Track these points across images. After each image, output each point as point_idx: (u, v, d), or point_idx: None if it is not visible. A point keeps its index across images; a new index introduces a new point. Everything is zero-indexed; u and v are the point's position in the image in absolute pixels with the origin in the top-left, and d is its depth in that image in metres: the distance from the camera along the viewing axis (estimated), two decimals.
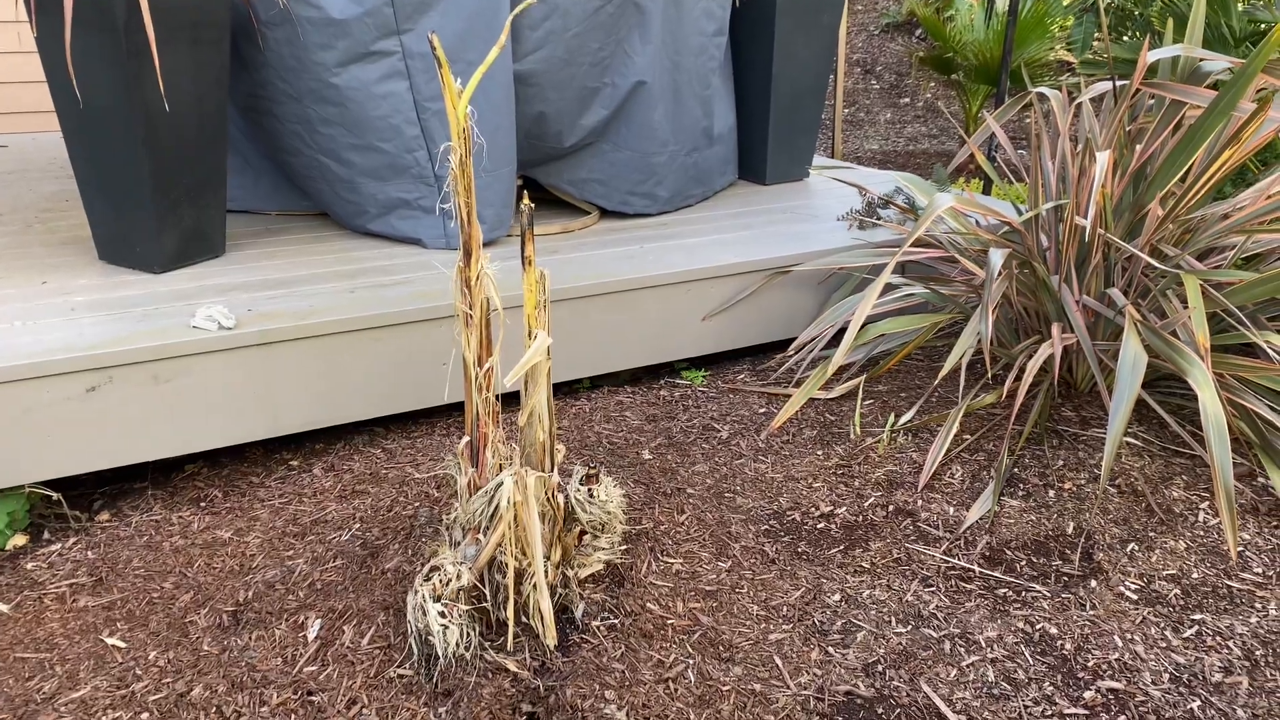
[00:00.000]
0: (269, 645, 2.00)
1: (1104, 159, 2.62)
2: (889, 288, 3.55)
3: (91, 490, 2.55)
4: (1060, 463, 2.71)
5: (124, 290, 2.76)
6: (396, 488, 2.56)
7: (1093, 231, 2.74)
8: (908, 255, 3.15)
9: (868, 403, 3.05)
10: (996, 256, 2.66)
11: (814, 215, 3.78)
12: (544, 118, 3.34)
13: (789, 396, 3.08)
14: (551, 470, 2.01)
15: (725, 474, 2.66)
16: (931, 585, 2.26)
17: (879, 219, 3.66)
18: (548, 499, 2.01)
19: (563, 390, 3.06)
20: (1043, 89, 3.23)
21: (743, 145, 4.28)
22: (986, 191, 4.66)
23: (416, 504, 2.48)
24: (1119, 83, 3.16)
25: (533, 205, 1.89)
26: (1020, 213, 3.29)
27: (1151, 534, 2.44)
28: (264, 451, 2.72)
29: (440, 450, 2.75)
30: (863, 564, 2.32)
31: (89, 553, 2.31)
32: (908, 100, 7.59)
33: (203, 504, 2.50)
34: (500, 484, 2.07)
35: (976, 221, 3.20)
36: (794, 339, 3.43)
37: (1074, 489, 2.60)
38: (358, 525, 2.40)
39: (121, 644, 2.02)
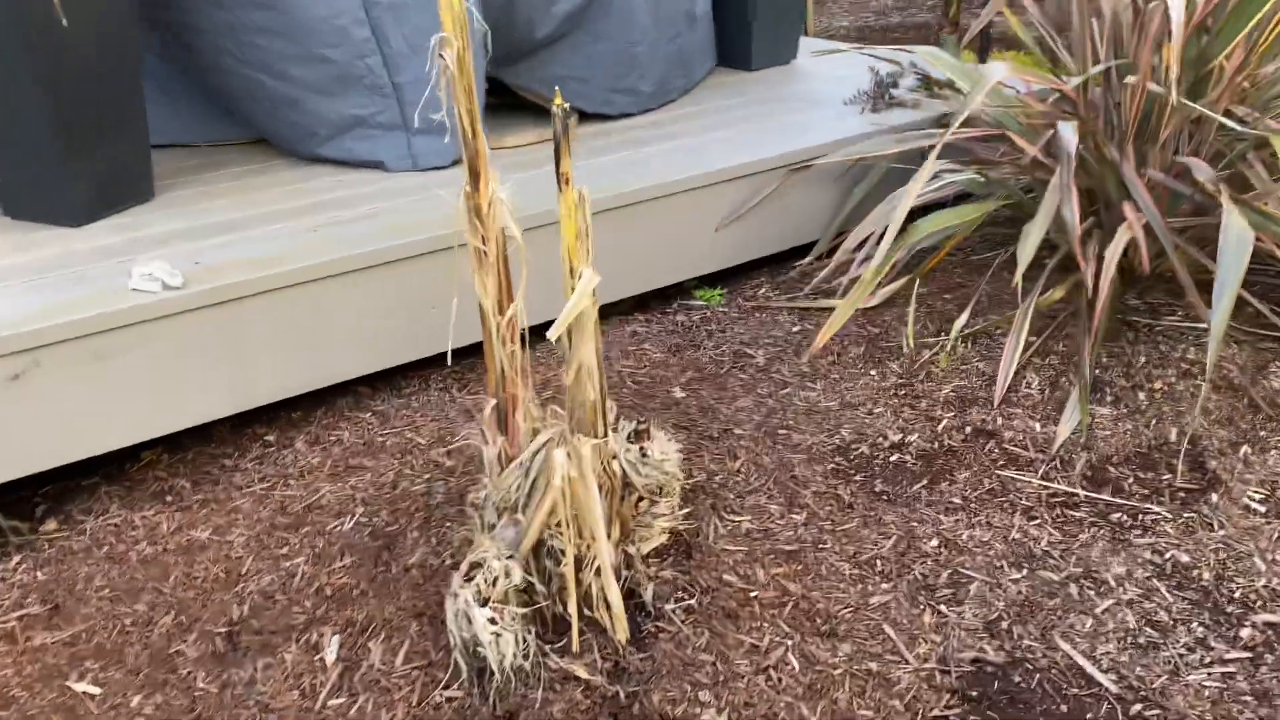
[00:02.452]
0: (280, 675, 1.64)
1: (1179, 7, 2.26)
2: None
3: (31, 494, 2.13)
4: (1142, 359, 2.42)
5: (37, 250, 2.29)
6: (398, 458, 2.18)
7: (1168, 94, 2.39)
8: (931, 136, 2.78)
9: (909, 310, 2.72)
10: (1068, 131, 2.30)
11: (817, 101, 3.39)
12: (511, 4, 2.88)
13: (824, 311, 2.74)
14: (606, 435, 1.64)
15: (773, 407, 2.32)
16: (1036, 517, 1.96)
17: (892, 99, 3.27)
18: (604, 468, 1.65)
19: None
20: None
21: (723, 28, 3.84)
22: (983, 61, 4.29)
23: (427, 477, 2.11)
24: None
25: (567, 107, 1.49)
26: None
27: (1262, 433, 2.17)
28: (232, 428, 2.31)
29: (442, 408, 2.37)
30: (953, 500, 2.01)
31: (38, 573, 1.92)
32: None
33: (169, 499, 2.11)
34: (540, 452, 1.72)
35: (1016, 92, 2.83)
36: (813, 242, 3.07)
37: (1165, 389, 2.31)
38: (361, 509, 2.02)
39: (94, 689, 1.65)
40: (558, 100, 1.46)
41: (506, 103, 3.24)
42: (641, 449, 1.83)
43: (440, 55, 1.55)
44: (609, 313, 2.76)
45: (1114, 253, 2.24)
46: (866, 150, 2.81)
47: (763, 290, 2.90)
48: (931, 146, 2.80)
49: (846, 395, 2.35)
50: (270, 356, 2.19)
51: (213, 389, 2.14)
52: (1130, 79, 2.45)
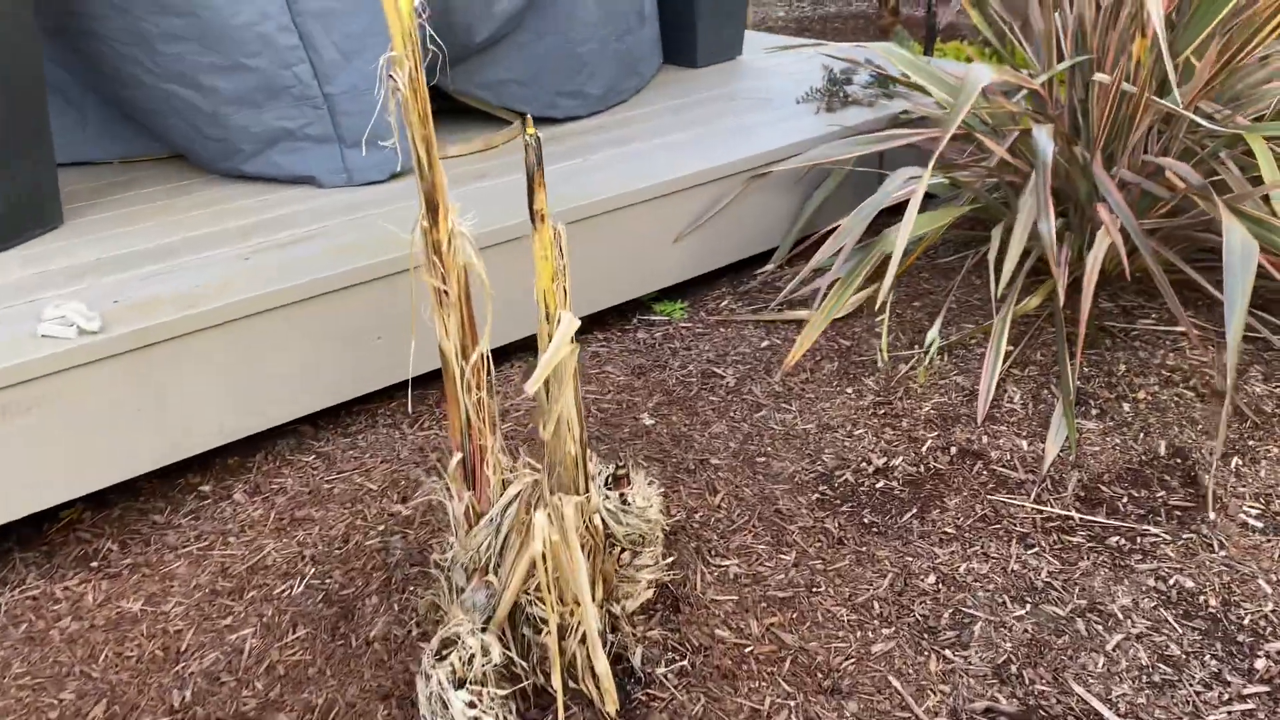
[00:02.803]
0: None
1: (1156, 4, 2.18)
2: (881, 177, 3.09)
3: None
4: (1123, 367, 2.35)
5: None
6: (349, 508, 2.00)
7: (1141, 92, 2.32)
8: (895, 138, 2.68)
9: (880, 318, 2.62)
10: (1044, 137, 2.21)
11: (769, 100, 3.26)
12: (448, 6, 2.69)
13: (791, 324, 2.62)
14: (587, 489, 1.50)
15: (749, 432, 2.19)
16: (1033, 545, 1.87)
17: (847, 98, 3.16)
18: (586, 526, 1.51)
19: (520, 349, 2.52)
20: None
21: (666, 24, 3.69)
22: (928, 54, 4.22)
23: (381, 529, 1.94)
24: None
25: (538, 135, 1.33)
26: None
27: (1251, 442, 2.11)
28: (163, 477, 2.11)
29: (392, 447, 2.19)
30: (946, 529, 1.91)
31: None
32: None
33: (95, 564, 1.90)
34: (511, 505, 1.56)
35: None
36: (773, 249, 2.95)
37: (1149, 399, 2.24)
38: (311, 570, 1.84)
39: None
40: (529, 128, 1.30)
41: (445, 107, 3.06)
42: (621, 495, 1.69)
43: (390, 76, 1.38)
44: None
45: (1095, 260, 2.16)
46: (826, 155, 2.70)
47: (725, 302, 2.77)
48: (892, 149, 2.70)
49: (824, 416, 2.23)
50: (202, 402, 2.00)
51: (139, 441, 1.94)
52: (1099, 76, 2.37)
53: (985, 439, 2.14)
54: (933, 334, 2.46)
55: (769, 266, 2.92)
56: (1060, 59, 2.61)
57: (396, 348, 2.24)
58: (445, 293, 1.50)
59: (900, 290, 2.75)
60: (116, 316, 1.92)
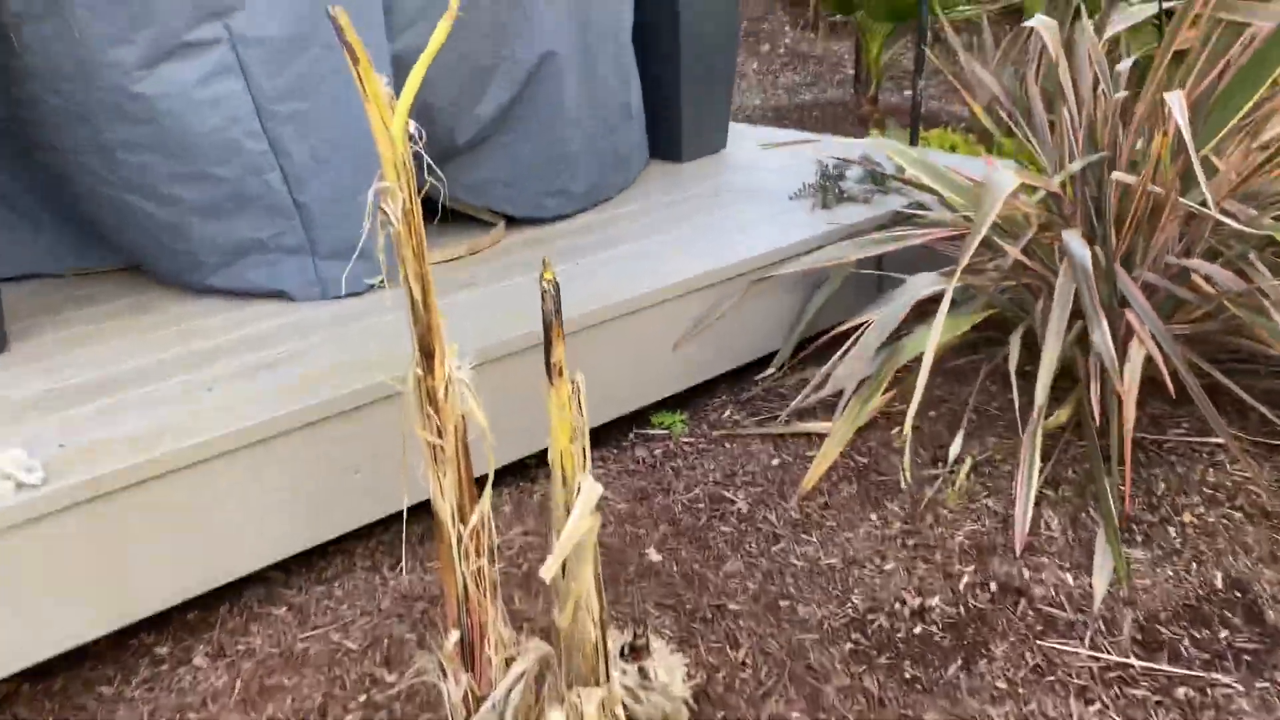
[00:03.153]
0: None
1: (1178, 101, 2.08)
2: (892, 281, 2.95)
3: None
4: (1162, 485, 2.19)
5: None
6: (325, 674, 1.77)
7: (1167, 192, 2.20)
8: (903, 238, 2.54)
9: (895, 430, 2.45)
10: (1077, 242, 2.08)
11: (760, 197, 3.13)
12: (430, 111, 2.54)
13: (802, 438, 2.44)
14: (609, 678, 1.29)
15: (768, 570, 2.00)
16: (1094, 700, 1.68)
17: (842, 194, 3.04)
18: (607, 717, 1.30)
19: (511, 473, 2.32)
20: (1037, 19, 2.66)
21: (651, 118, 3.57)
22: (913, 142, 4.14)
23: (363, 699, 1.71)
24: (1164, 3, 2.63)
25: (556, 282, 1.15)
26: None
27: None
28: (114, 641, 1.87)
29: (372, 595, 1.97)
30: (997, 684, 1.72)
31: None
32: (768, 47, 7.03)
33: None
34: (516, 687, 1.36)
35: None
36: (773, 353, 2.79)
37: (1196, 521, 2.08)
38: None
39: None
40: (547, 273, 1.13)
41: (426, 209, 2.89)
42: (640, 669, 1.48)
43: (381, 209, 1.21)
44: None
45: (1133, 374, 2.01)
46: (833, 257, 2.55)
47: (728, 412, 2.60)
48: (894, 252, 2.56)
49: (849, 549, 2.04)
50: (159, 557, 1.77)
51: (85, 606, 1.71)
52: (1119, 176, 2.25)
53: (1026, 572, 1.95)
54: (956, 448, 2.29)
55: (770, 371, 2.76)
56: (1071, 156, 2.50)
57: (377, 482, 2.03)
58: (440, 449, 1.30)
59: (910, 398, 2.58)
60: (62, 464, 1.70)
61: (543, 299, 1.14)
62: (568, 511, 1.21)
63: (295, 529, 1.95)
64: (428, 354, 1.27)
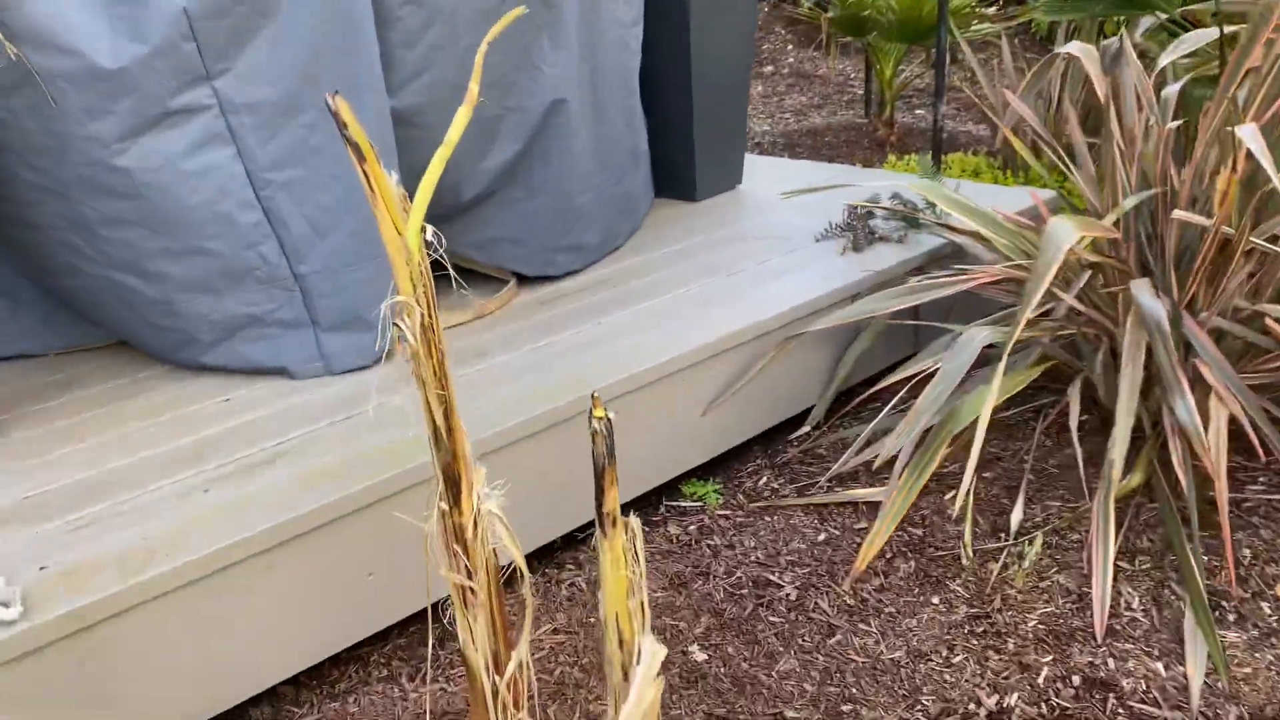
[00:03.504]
0: None
1: (1253, 135, 1.91)
2: (928, 330, 2.79)
3: None
4: (1247, 551, 2.01)
5: None
6: None
7: (1241, 233, 2.03)
8: (946, 284, 2.37)
9: (949, 494, 2.27)
10: (1147, 293, 1.91)
11: (784, 239, 2.97)
12: None
13: (846, 507, 2.26)
14: None
15: (826, 667, 1.81)
16: None
17: (872, 234, 2.87)
18: None
19: (535, 558, 2.14)
20: (1076, 45, 2.50)
21: (661, 154, 3.41)
22: (935, 170, 3.98)
23: None
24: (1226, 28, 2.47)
25: (609, 419, 0.98)
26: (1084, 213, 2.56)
27: None
28: None
29: (391, 711, 1.79)
30: None
31: None
32: (771, 68, 6.89)
33: None
34: None
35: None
36: (806, 410, 2.61)
37: None
38: None
39: None
40: (598, 410, 0.96)
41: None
42: None
43: (396, 325, 1.04)
44: (586, 531, 2.23)
45: (1219, 437, 1.84)
46: (867, 310, 2.38)
47: (764, 479, 2.42)
48: (943, 299, 2.39)
49: (912, 638, 1.86)
50: (151, 688, 1.59)
51: None
52: (1182, 215, 2.08)
53: (1111, 662, 1.77)
54: (1017, 516, 2.11)
55: (804, 430, 2.58)
56: (1123, 192, 2.33)
57: (392, 583, 1.86)
58: (471, 592, 1.13)
59: (964, 457, 2.41)
60: (44, 591, 1.52)
61: (593, 440, 0.96)
62: (625, 676, 1.03)
63: (304, 643, 1.77)
64: (453, 486, 1.10)
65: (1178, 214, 2.11)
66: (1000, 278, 2.37)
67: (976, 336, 2.03)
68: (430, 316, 1.03)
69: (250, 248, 2.12)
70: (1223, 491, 1.77)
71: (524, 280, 2.75)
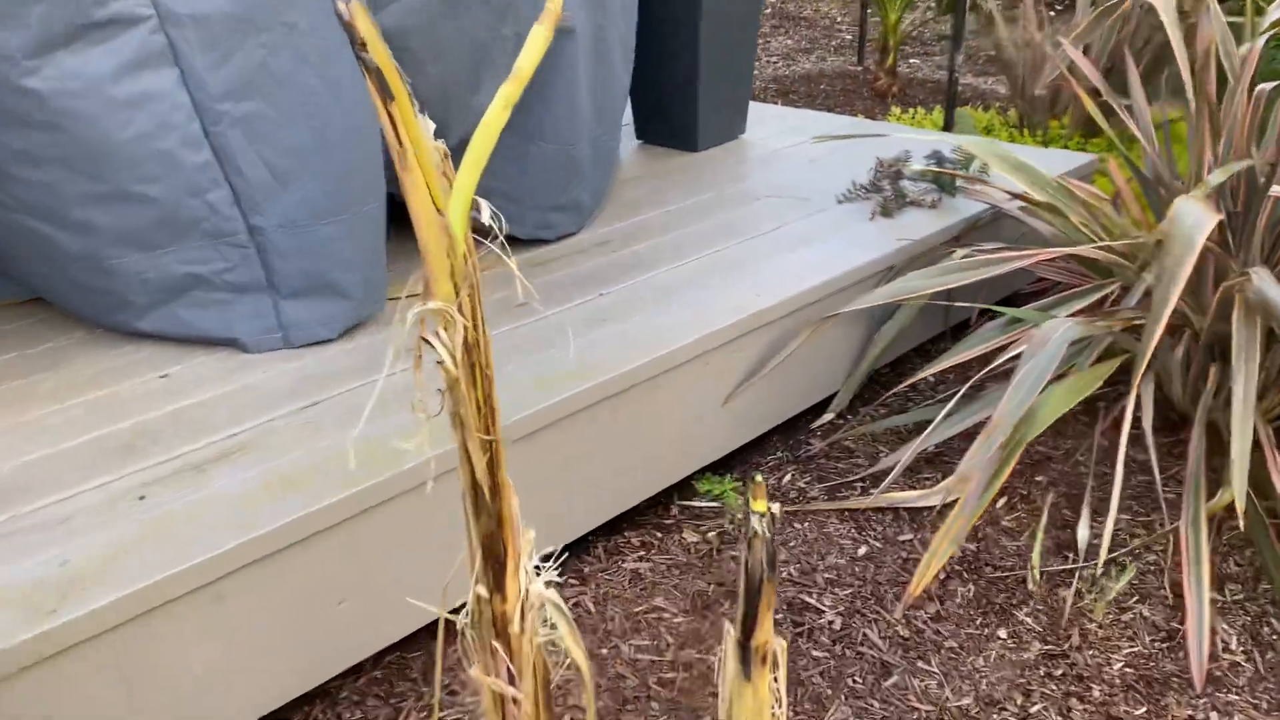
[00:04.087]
0: None
1: None
2: (987, 314, 2.51)
3: None
4: None
5: None
6: None
7: None
8: (1009, 260, 2.09)
9: (999, 502, 2.01)
10: (1272, 285, 1.63)
11: (803, 198, 2.65)
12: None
13: (885, 512, 1.99)
14: None
15: (884, 718, 1.54)
16: None
17: (904, 196, 2.57)
18: None
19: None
20: None
21: (660, 101, 3.07)
22: (948, 125, 3.68)
23: None
24: None
25: (773, 512, 0.67)
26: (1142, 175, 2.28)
27: None
28: None
29: None
30: None
31: None
32: None
33: None
34: None
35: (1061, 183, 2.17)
36: (830, 395, 2.33)
37: None
38: None
39: None
40: (758, 503, 0.65)
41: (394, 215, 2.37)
42: None
43: (425, 341, 0.71)
44: (586, 543, 1.93)
45: None
46: (911, 289, 2.08)
47: (788, 476, 2.13)
48: (1000, 275, 2.10)
49: (981, 682, 1.60)
50: None
51: None
52: None
53: (1215, 718, 1.52)
54: (1084, 533, 1.85)
55: (827, 417, 2.29)
56: (1206, 164, 2.05)
57: (368, 611, 1.54)
58: (515, 701, 0.82)
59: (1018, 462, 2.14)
60: None
61: (749, 546, 0.65)
62: None
63: (258, 689, 1.45)
64: (496, 562, 0.78)
65: (1277, 189, 1.83)
66: (1059, 254, 2.09)
67: (1058, 331, 1.74)
68: (477, 331, 0.71)
69: (196, 195, 1.75)
70: None
71: (514, 243, 2.40)
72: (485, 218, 0.69)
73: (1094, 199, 2.13)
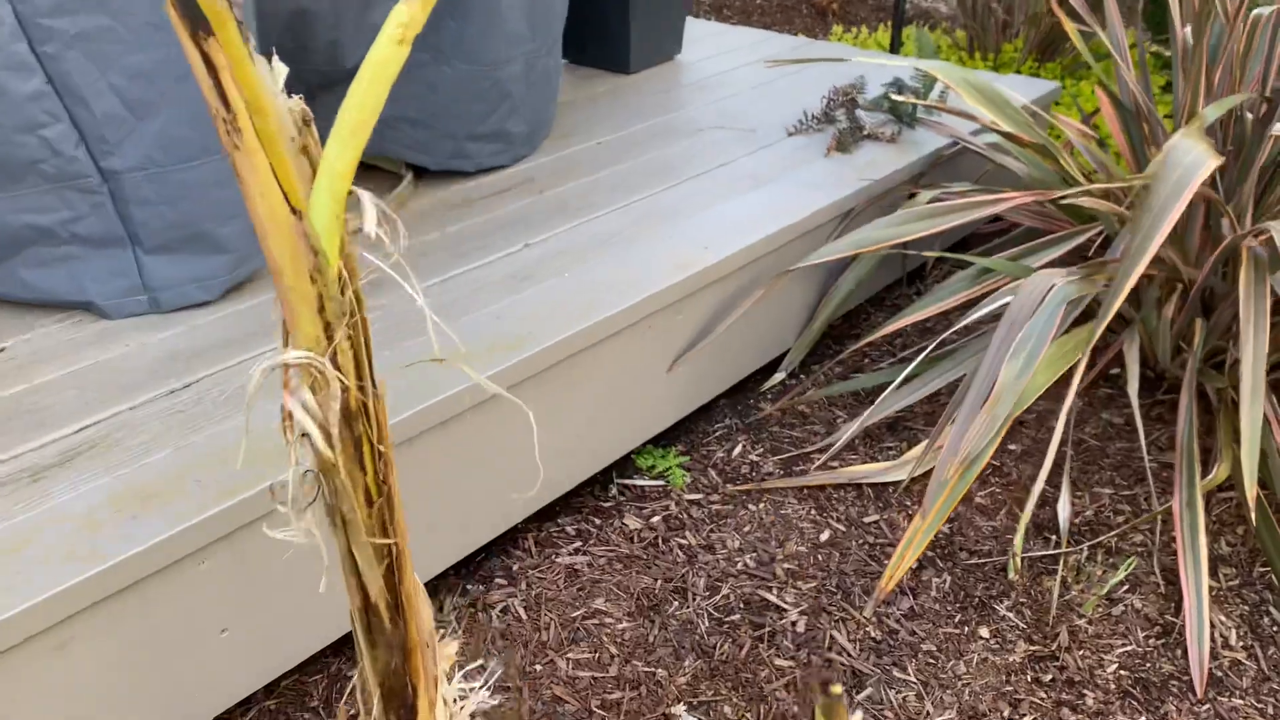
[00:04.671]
0: None
1: None
2: (958, 265, 2.32)
3: None
4: None
5: None
6: None
7: None
8: (982, 205, 1.88)
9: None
10: None
11: (749, 129, 2.40)
12: (305, 18, 1.71)
13: (848, 489, 1.79)
14: None
15: None
16: None
17: (861, 129, 2.33)
18: None
19: (456, 572, 1.59)
20: None
21: (586, 16, 2.76)
22: (895, 46, 3.43)
23: None
24: None
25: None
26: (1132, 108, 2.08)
27: None
28: None
29: None
30: None
31: None
32: None
33: None
34: None
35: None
36: (783, 353, 2.11)
37: None
38: None
39: None
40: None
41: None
42: None
43: (287, 412, 0.46)
44: (517, 532, 1.70)
45: None
46: (883, 237, 1.86)
47: (738, 448, 1.92)
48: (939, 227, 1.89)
49: (964, 692, 1.42)
50: None
51: None
52: None
53: None
54: (1064, 512, 1.68)
55: (778, 378, 2.08)
56: (1200, 96, 1.86)
57: (254, 638, 1.29)
58: None
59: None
60: None
61: None
62: None
63: None
64: (402, 706, 0.54)
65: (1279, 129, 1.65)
66: (1038, 198, 1.88)
67: (1047, 286, 1.54)
68: (364, 390, 0.46)
69: (29, 131, 1.43)
70: None
71: (423, 176, 2.11)
72: (369, 226, 0.43)
73: (1080, 136, 1.93)
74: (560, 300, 1.63)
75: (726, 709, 1.40)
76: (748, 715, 1.39)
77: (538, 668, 1.45)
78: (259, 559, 1.25)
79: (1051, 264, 2.03)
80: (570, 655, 1.47)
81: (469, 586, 1.59)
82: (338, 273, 0.45)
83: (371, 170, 2.12)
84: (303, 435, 0.48)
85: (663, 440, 1.93)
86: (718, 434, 1.96)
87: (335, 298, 0.44)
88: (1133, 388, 1.70)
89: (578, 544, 1.68)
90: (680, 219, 1.93)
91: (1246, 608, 1.55)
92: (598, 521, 1.73)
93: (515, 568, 1.63)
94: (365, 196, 0.44)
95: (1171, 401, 1.97)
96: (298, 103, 0.45)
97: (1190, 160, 1.36)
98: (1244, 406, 1.41)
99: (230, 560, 1.23)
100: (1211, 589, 1.59)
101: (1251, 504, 1.34)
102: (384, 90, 0.43)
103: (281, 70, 0.46)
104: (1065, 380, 2.07)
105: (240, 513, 1.20)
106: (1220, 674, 1.45)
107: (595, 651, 1.48)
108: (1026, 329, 1.48)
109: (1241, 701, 1.41)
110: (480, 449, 1.50)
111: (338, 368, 0.45)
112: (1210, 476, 1.63)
